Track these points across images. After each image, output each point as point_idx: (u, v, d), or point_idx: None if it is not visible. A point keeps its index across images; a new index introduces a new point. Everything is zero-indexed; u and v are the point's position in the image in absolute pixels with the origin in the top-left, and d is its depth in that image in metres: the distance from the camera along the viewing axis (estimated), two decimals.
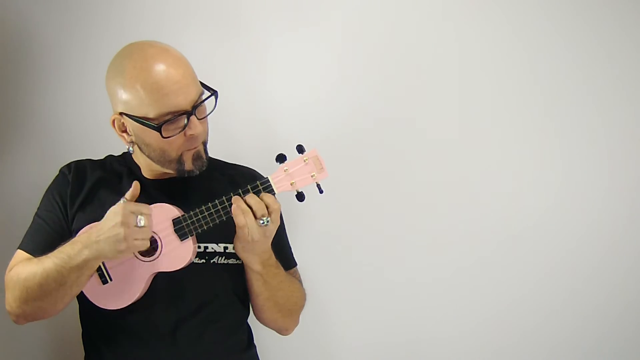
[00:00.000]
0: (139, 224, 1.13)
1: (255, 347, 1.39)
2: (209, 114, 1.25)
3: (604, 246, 1.55)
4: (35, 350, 1.68)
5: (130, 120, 1.21)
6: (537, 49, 1.56)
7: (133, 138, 1.25)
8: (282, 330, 1.40)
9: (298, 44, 1.65)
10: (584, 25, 1.55)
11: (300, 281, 1.41)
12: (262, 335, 1.40)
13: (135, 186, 1.19)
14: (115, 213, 1.14)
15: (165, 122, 1.18)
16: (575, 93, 1.55)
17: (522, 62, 1.57)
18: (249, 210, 1.15)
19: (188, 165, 1.25)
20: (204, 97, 1.22)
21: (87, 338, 1.32)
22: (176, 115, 1.18)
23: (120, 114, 1.22)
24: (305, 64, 1.65)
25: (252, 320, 1.39)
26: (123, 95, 1.19)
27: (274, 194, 1.19)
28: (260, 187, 1.19)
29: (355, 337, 1.66)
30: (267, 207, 1.17)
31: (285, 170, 1.18)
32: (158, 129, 1.18)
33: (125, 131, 1.25)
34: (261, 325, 1.39)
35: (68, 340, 1.53)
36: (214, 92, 1.24)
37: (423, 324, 1.63)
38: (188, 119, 1.19)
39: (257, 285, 1.28)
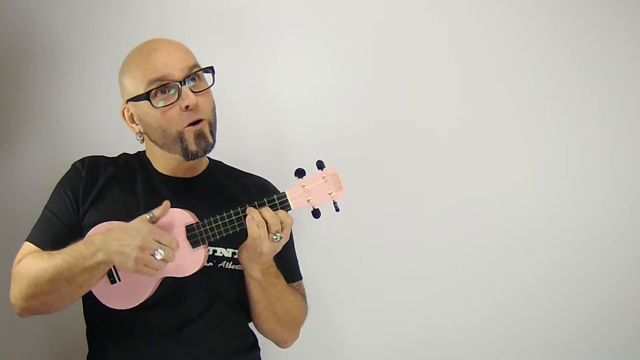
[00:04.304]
0: (155, 256, 1.12)
1: (259, 349, 1.39)
2: (207, 88, 1.26)
3: (605, 246, 1.56)
4: (38, 347, 1.67)
5: (133, 104, 1.24)
6: (538, 47, 1.56)
7: (141, 128, 1.26)
8: (281, 343, 1.40)
9: (304, 46, 1.65)
10: (585, 24, 1.55)
11: (303, 295, 1.41)
12: (264, 338, 1.40)
13: (165, 206, 1.17)
14: (137, 232, 1.12)
15: (154, 90, 1.20)
16: (577, 92, 1.56)
17: (523, 61, 1.57)
18: (264, 222, 1.15)
19: (191, 145, 1.24)
20: (200, 73, 1.25)
21: (91, 335, 1.32)
22: (165, 83, 1.20)
23: (127, 102, 1.25)
24: (311, 67, 1.65)
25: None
26: (124, 80, 1.25)
27: (289, 209, 1.19)
28: (277, 202, 1.18)
29: (359, 338, 1.67)
30: (280, 222, 1.16)
31: (303, 187, 1.18)
32: (147, 97, 1.20)
33: (133, 122, 1.27)
34: None
35: (71, 337, 1.53)
36: (209, 69, 1.26)
37: (427, 326, 1.64)
38: (180, 89, 1.20)
39: (256, 292, 1.28)
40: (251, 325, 1.38)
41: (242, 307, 1.33)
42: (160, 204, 1.18)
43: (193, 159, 1.26)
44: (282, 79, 1.66)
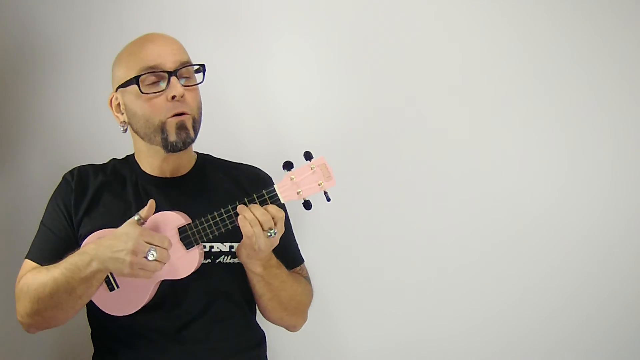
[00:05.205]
0: (148, 257, 1.12)
1: (265, 346, 1.39)
2: (197, 84, 1.27)
3: (607, 245, 1.55)
4: (45, 346, 1.70)
5: (121, 90, 1.25)
6: (540, 46, 1.55)
7: (126, 117, 1.27)
8: (290, 327, 1.41)
9: (302, 44, 1.63)
10: (588, 24, 1.53)
11: (307, 278, 1.41)
12: (267, 334, 1.41)
13: (151, 205, 1.18)
14: (128, 236, 1.13)
15: (145, 75, 1.21)
16: (580, 91, 1.54)
17: (526, 60, 1.55)
18: (256, 220, 1.15)
19: (172, 135, 1.24)
20: (191, 68, 1.27)
21: (96, 338, 1.34)
22: (155, 71, 1.21)
23: (116, 90, 1.26)
24: (310, 64, 1.64)
25: (259, 319, 1.39)
26: (117, 68, 1.27)
27: (280, 204, 1.18)
28: (267, 196, 1.17)
29: (360, 336, 1.67)
30: (272, 218, 1.16)
31: (292, 179, 1.16)
32: (137, 81, 1.21)
33: (120, 111, 1.28)
34: (267, 324, 1.40)
35: (75, 338, 1.55)
36: (201, 67, 1.28)
37: (428, 324, 1.64)
38: (169, 79, 1.21)
39: (260, 286, 1.28)
40: (258, 319, 1.38)
41: (246, 302, 1.34)
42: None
43: (173, 151, 1.26)
44: (281, 77, 1.65)
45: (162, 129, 1.23)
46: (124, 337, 1.27)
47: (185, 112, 1.24)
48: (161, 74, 1.22)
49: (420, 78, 1.60)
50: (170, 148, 1.25)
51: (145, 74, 1.21)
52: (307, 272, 1.42)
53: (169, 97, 1.21)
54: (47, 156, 1.69)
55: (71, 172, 1.33)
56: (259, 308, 1.36)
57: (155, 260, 1.13)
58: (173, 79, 1.21)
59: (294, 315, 1.38)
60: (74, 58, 1.70)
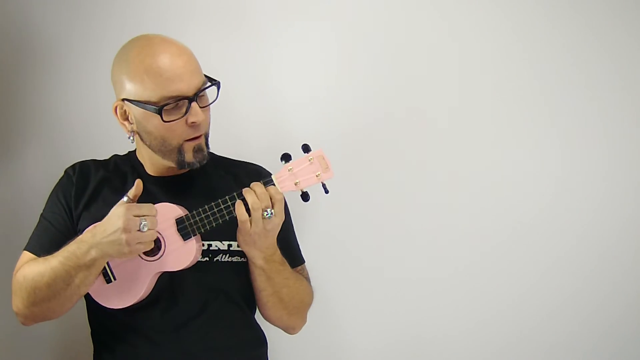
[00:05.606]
0: (142, 229, 1.13)
1: (266, 346, 1.37)
2: (210, 103, 1.26)
3: (604, 245, 1.54)
4: (46, 346, 1.69)
5: (133, 105, 1.21)
6: (537, 46, 1.55)
7: (134, 127, 1.25)
8: (289, 329, 1.39)
9: (304, 41, 1.65)
10: (584, 23, 1.53)
11: (308, 279, 1.40)
12: (267, 334, 1.39)
13: (138, 184, 1.18)
14: (117, 216, 1.13)
15: (167, 104, 1.18)
16: (576, 91, 1.54)
17: (523, 60, 1.56)
18: (259, 205, 1.14)
19: (189, 156, 1.24)
20: (206, 87, 1.24)
21: (95, 336, 1.33)
22: (177, 99, 1.18)
23: (123, 100, 1.22)
24: (311, 61, 1.65)
25: (260, 320, 1.38)
26: (127, 80, 1.20)
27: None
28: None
29: (360, 336, 1.66)
30: (270, 198, 1.16)
31: (289, 170, 1.17)
32: (159, 111, 1.18)
33: (127, 119, 1.25)
34: (267, 325, 1.38)
35: (75, 337, 1.55)
36: (216, 83, 1.25)
37: (429, 324, 1.62)
38: (189, 105, 1.19)
39: (260, 280, 1.26)
40: (259, 320, 1.37)
41: (246, 301, 1.32)
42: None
43: (187, 169, 1.27)
44: (285, 74, 1.66)
45: (180, 150, 1.23)
46: (122, 334, 1.26)
47: (201, 133, 1.25)
48: (182, 102, 1.20)
49: (420, 78, 1.60)
50: (187, 167, 1.25)
51: (167, 105, 1.18)
52: (307, 273, 1.41)
53: (189, 122, 1.20)
54: (48, 154, 1.71)
55: (73, 166, 1.34)
56: (258, 305, 1.34)
57: (149, 229, 1.13)
58: (194, 104, 1.20)
59: (294, 316, 1.35)
60: (75, 56, 1.72)
